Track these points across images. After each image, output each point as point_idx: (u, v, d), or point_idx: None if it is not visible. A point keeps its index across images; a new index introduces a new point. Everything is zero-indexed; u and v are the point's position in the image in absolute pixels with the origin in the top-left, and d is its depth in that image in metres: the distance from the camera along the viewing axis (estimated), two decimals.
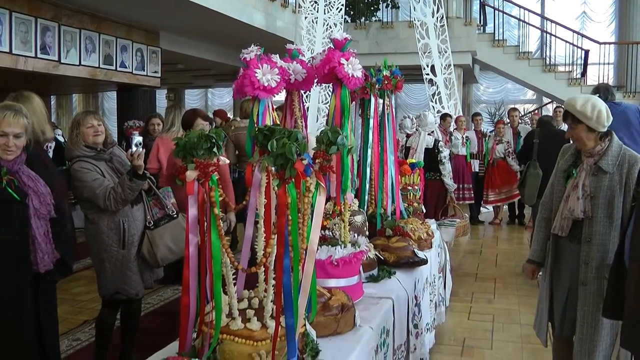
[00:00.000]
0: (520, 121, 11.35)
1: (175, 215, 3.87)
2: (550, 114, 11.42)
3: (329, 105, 3.40)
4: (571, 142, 3.11)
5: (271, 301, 1.96)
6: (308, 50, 10.17)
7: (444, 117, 9.70)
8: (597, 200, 2.90)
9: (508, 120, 10.37)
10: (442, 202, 7.33)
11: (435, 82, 11.64)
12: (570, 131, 2.98)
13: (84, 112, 3.82)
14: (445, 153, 7.36)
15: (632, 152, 2.96)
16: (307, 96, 10.51)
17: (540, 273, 3.37)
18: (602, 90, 5.10)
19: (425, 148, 7.31)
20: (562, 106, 9.96)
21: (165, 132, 5.73)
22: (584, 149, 2.98)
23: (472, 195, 9.91)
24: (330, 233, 3.12)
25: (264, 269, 2.02)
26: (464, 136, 9.87)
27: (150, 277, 3.92)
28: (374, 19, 14.26)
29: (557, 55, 14.86)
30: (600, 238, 2.90)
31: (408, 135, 7.78)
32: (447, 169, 7.29)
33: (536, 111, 15.23)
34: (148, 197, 3.86)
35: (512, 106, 12.27)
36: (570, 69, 14.22)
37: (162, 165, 5.84)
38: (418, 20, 11.53)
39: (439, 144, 7.40)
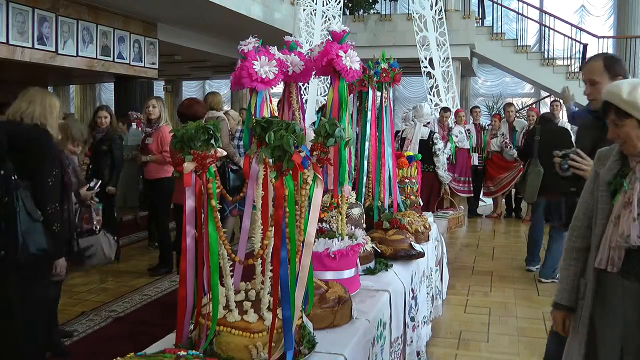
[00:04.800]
0: (517, 115, 11.36)
1: (97, 232, 4.24)
2: (548, 107, 11.43)
3: (326, 98, 3.40)
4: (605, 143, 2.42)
5: (268, 293, 1.96)
6: (306, 43, 10.15)
7: (442, 112, 9.69)
8: None
9: (504, 115, 10.39)
10: (436, 194, 7.31)
11: (434, 75, 11.63)
12: (614, 130, 2.23)
13: (75, 119, 4.21)
14: (439, 145, 7.31)
15: None
16: (305, 88, 10.49)
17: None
18: None
19: (420, 139, 7.27)
20: (560, 100, 9.74)
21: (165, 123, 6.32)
22: (633, 152, 2.20)
23: (471, 188, 9.95)
24: (328, 225, 3.12)
25: (261, 261, 2.02)
26: (466, 130, 9.90)
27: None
28: (372, 11, 14.21)
29: (556, 49, 14.84)
30: None
31: None
32: (441, 161, 7.26)
33: (533, 106, 15.23)
34: (83, 208, 4.17)
35: (508, 101, 12.29)
36: (569, 63, 14.20)
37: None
38: (416, 13, 11.50)
39: (434, 136, 7.35)
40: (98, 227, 4.28)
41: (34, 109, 3.37)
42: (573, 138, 7.07)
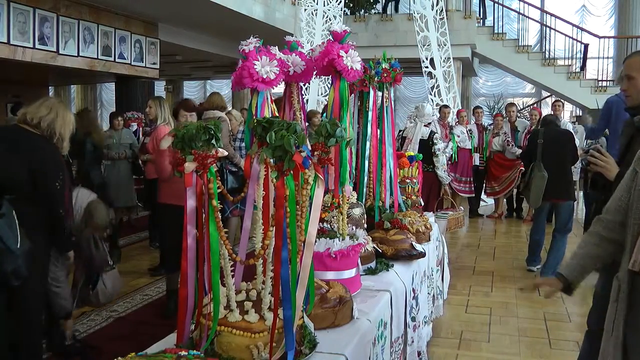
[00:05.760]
0: (519, 115, 11.35)
1: (114, 266, 4.36)
2: (549, 107, 11.43)
3: (327, 98, 3.39)
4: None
5: (269, 293, 1.96)
6: (307, 43, 10.16)
7: (442, 108, 9.69)
8: None
9: (505, 115, 10.39)
10: (435, 194, 7.28)
11: (435, 75, 11.62)
12: None
13: (101, 204, 4.23)
14: (439, 145, 7.29)
15: None
16: (306, 88, 10.49)
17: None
18: None
19: (420, 139, 7.25)
20: (561, 100, 9.71)
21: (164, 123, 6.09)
22: None
23: (472, 188, 9.95)
24: (329, 225, 3.12)
25: (262, 261, 2.02)
26: (468, 130, 9.89)
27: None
28: (373, 11, 14.22)
29: (557, 49, 14.86)
30: None
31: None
32: (440, 161, 7.23)
33: (535, 105, 15.23)
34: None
35: (510, 101, 12.28)
36: (570, 63, 14.21)
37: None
38: (417, 13, 11.50)
39: (434, 136, 7.32)
40: (112, 260, 4.33)
41: (55, 119, 3.39)
42: (576, 140, 7.06)
